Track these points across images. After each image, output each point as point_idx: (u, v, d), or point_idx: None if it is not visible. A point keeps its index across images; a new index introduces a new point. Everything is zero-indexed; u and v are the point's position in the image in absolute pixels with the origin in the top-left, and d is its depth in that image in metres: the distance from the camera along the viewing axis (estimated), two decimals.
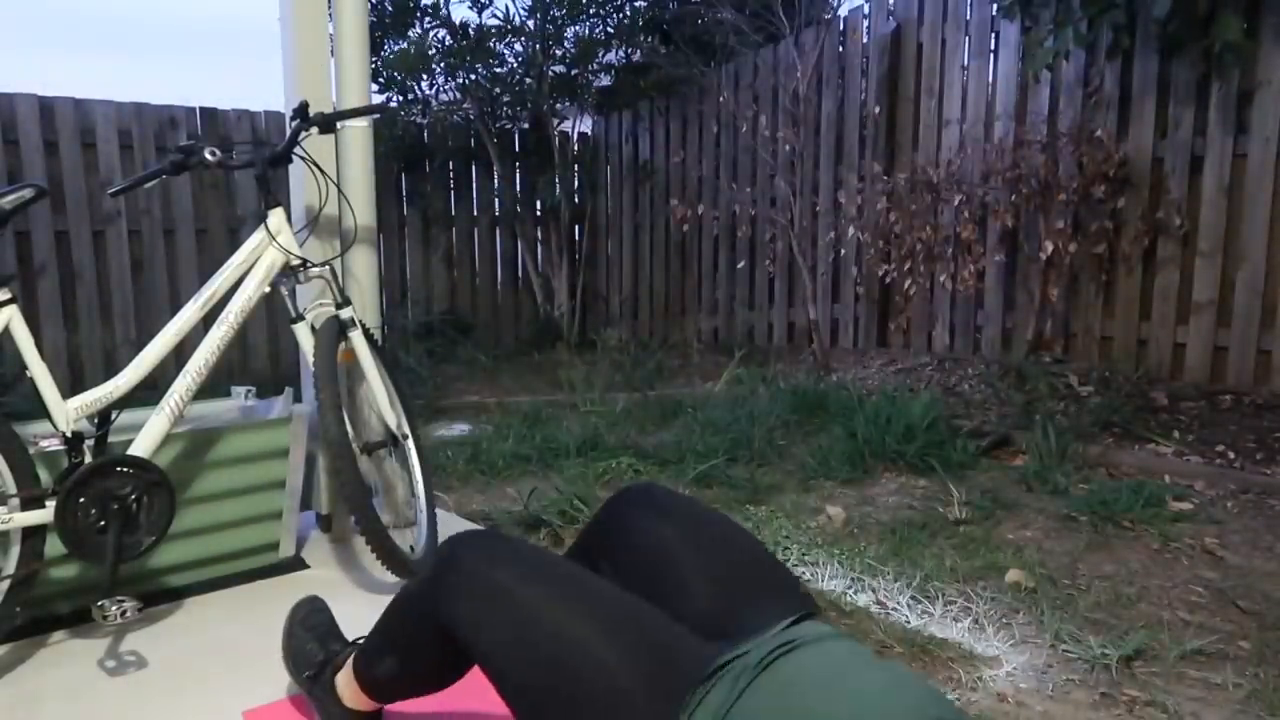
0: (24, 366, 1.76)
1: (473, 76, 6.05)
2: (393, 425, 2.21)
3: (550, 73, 6.11)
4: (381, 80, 5.93)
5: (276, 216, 2.01)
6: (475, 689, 1.33)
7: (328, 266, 2.08)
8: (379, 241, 5.10)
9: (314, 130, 2.07)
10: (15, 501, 1.72)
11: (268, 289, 2.01)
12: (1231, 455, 3.34)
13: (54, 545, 1.77)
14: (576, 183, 6.79)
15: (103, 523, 1.78)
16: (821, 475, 3.34)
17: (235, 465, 2.12)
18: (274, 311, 5.48)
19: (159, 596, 2.06)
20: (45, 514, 1.74)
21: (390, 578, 2.10)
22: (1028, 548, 2.66)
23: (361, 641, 1.42)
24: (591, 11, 6.05)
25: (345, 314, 2.11)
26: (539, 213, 6.58)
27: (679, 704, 0.99)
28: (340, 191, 2.30)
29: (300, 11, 2.26)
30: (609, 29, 6.21)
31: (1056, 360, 4.37)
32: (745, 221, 5.91)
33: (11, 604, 1.75)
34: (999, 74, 4.61)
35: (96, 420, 1.83)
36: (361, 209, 2.36)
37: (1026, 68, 4.35)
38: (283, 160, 2.05)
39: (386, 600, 1.34)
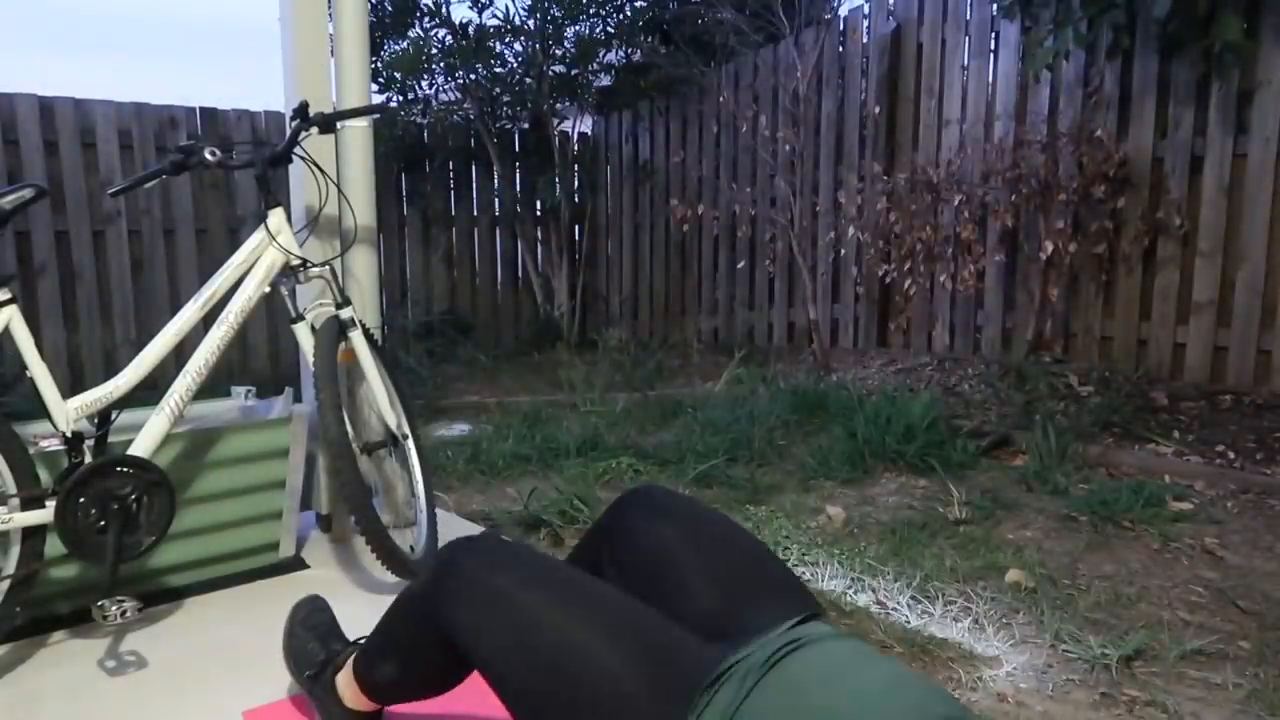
0: (24, 366, 1.76)
1: (473, 76, 6.05)
2: (393, 425, 2.21)
3: (550, 73, 6.11)
4: (381, 80, 5.94)
5: (276, 216, 2.01)
6: (476, 691, 1.33)
7: (328, 266, 2.08)
8: (379, 241, 5.10)
9: (314, 130, 2.06)
10: (15, 501, 1.72)
11: (268, 289, 2.01)
12: (1231, 455, 3.34)
13: (54, 545, 1.77)
14: (576, 183, 6.79)
15: (103, 523, 1.78)
16: (821, 475, 3.34)
17: (235, 465, 2.12)
18: (274, 311, 5.48)
19: (159, 596, 2.06)
20: (45, 514, 1.74)
21: (390, 578, 2.10)
22: (1028, 548, 2.66)
23: (362, 641, 1.42)
24: (591, 11, 6.05)
25: (345, 314, 2.10)
26: (539, 213, 6.58)
27: (682, 705, 0.99)
28: (340, 191, 2.30)
29: (300, 11, 2.26)
30: (609, 29, 6.21)
31: (1056, 360, 4.37)
32: (745, 221, 5.91)
33: (11, 604, 1.75)
34: (999, 74, 4.61)
35: (96, 420, 1.83)
36: (361, 209, 2.36)
37: (1026, 68, 4.35)
38: (283, 160, 2.05)
39: (387, 600, 1.35)
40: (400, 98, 6.10)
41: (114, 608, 1.76)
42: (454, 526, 2.57)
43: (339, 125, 2.27)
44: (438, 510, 2.36)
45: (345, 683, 1.41)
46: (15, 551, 1.75)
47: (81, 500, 1.76)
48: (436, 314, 6.33)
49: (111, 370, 2.72)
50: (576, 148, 6.80)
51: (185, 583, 2.13)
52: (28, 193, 1.75)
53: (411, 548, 2.14)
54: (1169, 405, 3.81)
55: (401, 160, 6.19)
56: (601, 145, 6.89)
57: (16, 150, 4.77)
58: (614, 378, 5.12)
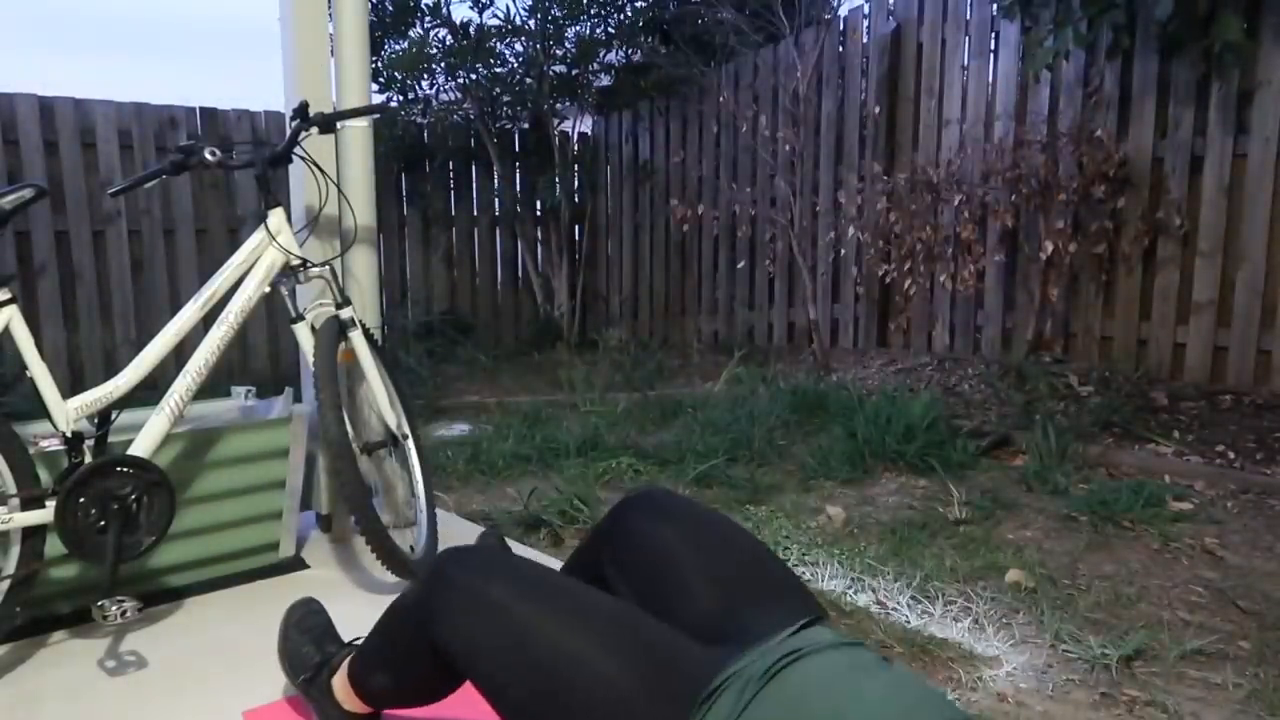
0: (24, 366, 1.76)
1: (473, 76, 6.05)
2: (393, 425, 2.21)
3: (550, 73, 6.11)
4: (381, 80, 5.93)
5: (276, 216, 2.01)
6: (473, 694, 1.33)
7: (328, 266, 2.08)
8: (379, 241, 5.10)
9: (314, 130, 2.06)
10: (15, 501, 1.72)
11: (268, 289, 2.01)
12: (1231, 455, 3.34)
13: (54, 545, 1.77)
14: (576, 183, 6.79)
15: (103, 523, 1.78)
16: (821, 475, 3.34)
17: (235, 465, 2.12)
18: (274, 311, 5.48)
19: (159, 596, 2.06)
20: (45, 514, 1.74)
21: (390, 578, 2.10)
22: (1028, 548, 2.66)
23: (358, 643, 1.42)
24: (591, 11, 6.05)
25: (345, 314, 2.10)
26: (539, 213, 6.58)
27: (683, 708, 0.99)
28: (340, 191, 2.30)
29: (300, 11, 2.26)
30: (609, 29, 6.21)
31: (1056, 360, 4.37)
32: (745, 221, 5.91)
33: (11, 604, 1.75)
34: (999, 74, 4.61)
35: (96, 420, 1.83)
36: (361, 209, 2.36)
37: (1026, 68, 4.35)
38: (283, 160, 2.05)
39: (386, 601, 1.35)
40: (400, 98, 6.10)
41: (114, 608, 1.76)
42: (454, 526, 2.57)
43: (339, 125, 2.27)
44: (438, 510, 2.37)
45: (341, 685, 1.41)
46: (15, 551, 1.75)
47: (81, 500, 1.76)
48: (436, 314, 6.33)
49: (111, 370, 2.72)
50: (576, 148, 6.80)
51: (185, 583, 2.13)
52: (28, 193, 1.75)
53: (411, 548, 2.14)
54: (1169, 405, 3.81)
55: (401, 160, 6.19)
56: (601, 145, 6.89)
57: (16, 150, 4.77)
58: (614, 378, 5.12)
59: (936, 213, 4.73)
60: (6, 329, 1.73)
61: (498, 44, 6.01)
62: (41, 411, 1.77)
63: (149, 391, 1.87)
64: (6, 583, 1.74)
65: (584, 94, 6.37)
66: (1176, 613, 2.25)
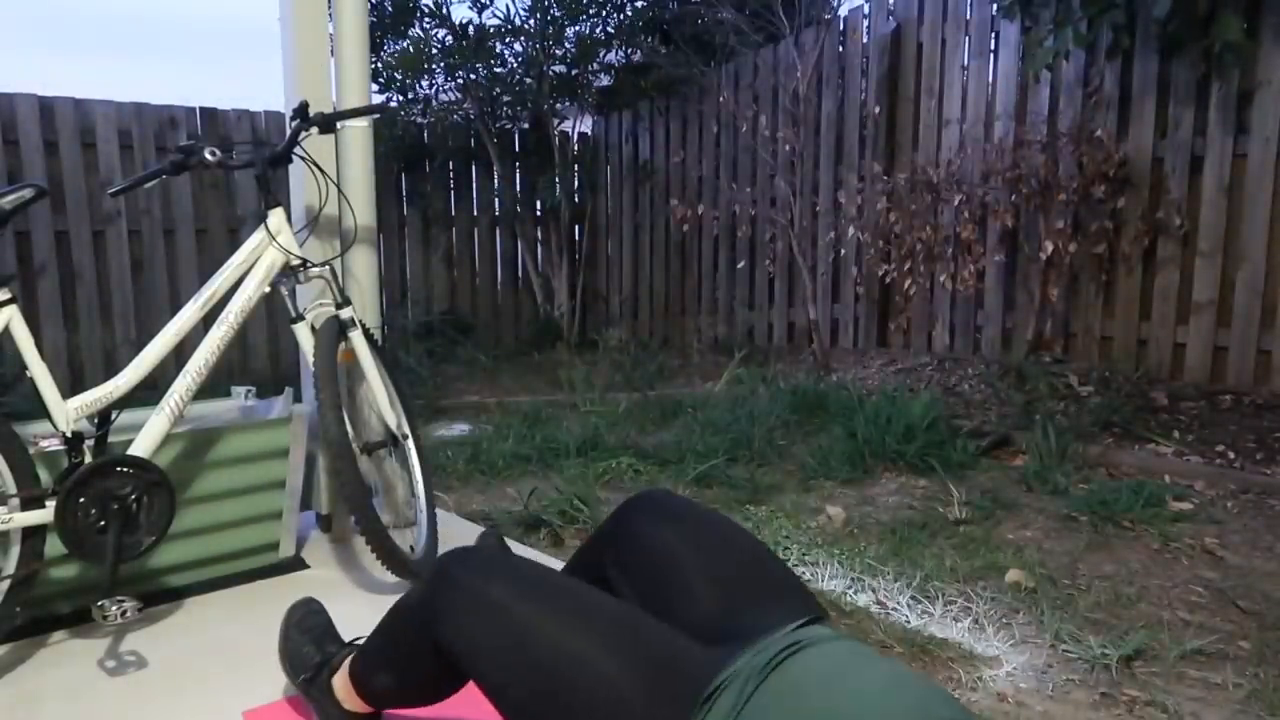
0: (24, 366, 1.76)
1: (473, 76, 6.05)
2: (393, 425, 2.21)
3: (550, 73, 6.11)
4: (381, 80, 5.94)
5: (276, 216, 2.01)
6: (475, 697, 1.33)
7: (328, 266, 2.08)
8: (379, 241, 5.09)
9: (314, 130, 2.06)
10: (15, 501, 1.72)
11: (268, 289, 2.01)
12: (1231, 455, 3.34)
13: (54, 545, 1.77)
14: (576, 183, 6.79)
15: (103, 523, 1.78)
16: (821, 475, 3.34)
17: (235, 465, 2.12)
18: (274, 311, 5.48)
19: (159, 596, 2.06)
20: (45, 514, 1.74)
21: (390, 578, 2.10)
22: (1028, 548, 2.66)
23: (359, 643, 1.42)
24: (591, 11, 6.05)
25: (345, 314, 2.10)
26: (539, 213, 6.58)
27: (684, 708, 0.99)
28: (340, 191, 2.30)
29: (300, 11, 2.26)
30: (609, 29, 6.21)
31: (1056, 360, 4.37)
32: (745, 221, 5.91)
33: (11, 604, 1.75)
34: (999, 74, 4.61)
35: (96, 420, 1.83)
36: (361, 209, 2.36)
37: (1026, 68, 4.35)
38: (283, 160, 2.05)
39: (387, 600, 1.35)
40: (400, 98, 6.10)
41: (114, 608, 1.76)
42: (454, 526, 2.57)
43: (339, 125, 2.27)
44: (438, 510, 2.37)
45: (341, 684, 1.41)
46: (15, 551, 1.75)
47: (81, 500, 1.76)
48: (436, 314, 6.33)
49: (111, 370, 2.72)
50: (576, 148, 6.80)
51: (185, 583, 2.13)
52: (28, 193, 1.75)
53: (411, 548, 2.14)
54: (1169, 405, 3.81)
55: (401, 160, 6.19)
56: (601, 145, 6.89)
57: (16, 150, 4.77)
58: (614, 378, 5.12)
59: (936, 213, 4.73)
60: (6, 329, 1.73)
61: (497, 44, 6.01)
62: (41, 411, 1.77)
63: (149, 391, 1.87)
64: (6, 583, 1.74)
65: (584, 94, 6.37)
66: (1176, 613, 2.25)
